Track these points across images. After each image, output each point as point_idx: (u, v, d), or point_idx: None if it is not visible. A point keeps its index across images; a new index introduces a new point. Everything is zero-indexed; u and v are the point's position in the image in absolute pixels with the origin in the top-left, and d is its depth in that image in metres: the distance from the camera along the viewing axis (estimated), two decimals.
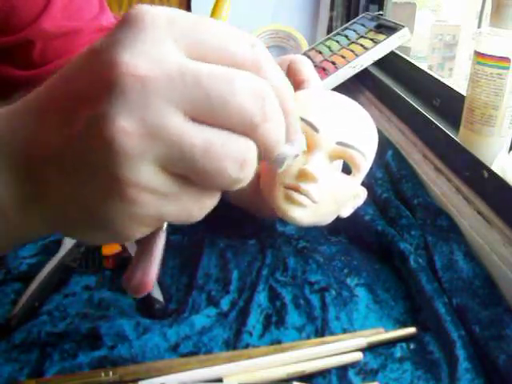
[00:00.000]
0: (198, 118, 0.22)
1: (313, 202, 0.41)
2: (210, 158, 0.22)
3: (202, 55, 0.22)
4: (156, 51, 0.21)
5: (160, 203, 0.23)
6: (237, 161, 0.22)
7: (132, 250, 0.48)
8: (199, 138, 0.22)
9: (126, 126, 0.21)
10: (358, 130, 0.43)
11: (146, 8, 0.22)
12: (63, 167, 0.23)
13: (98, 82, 0.21)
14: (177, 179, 0.23)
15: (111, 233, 0.24)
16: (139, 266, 0.26)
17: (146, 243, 0.26)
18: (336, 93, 0.46)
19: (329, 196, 0.42)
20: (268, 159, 0.24)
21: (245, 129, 0.22)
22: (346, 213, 0.45)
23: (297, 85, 0.46)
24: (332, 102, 0.44)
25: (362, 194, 0.46)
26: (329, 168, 0.42)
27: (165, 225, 0.26)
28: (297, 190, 0.41)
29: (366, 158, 0.42)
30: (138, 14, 0.22)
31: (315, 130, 0.41)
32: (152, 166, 0.22)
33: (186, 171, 0.22)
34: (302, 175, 0.41)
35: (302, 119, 0.42)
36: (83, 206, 0.23)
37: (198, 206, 0.24)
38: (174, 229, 0.50)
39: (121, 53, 0.21)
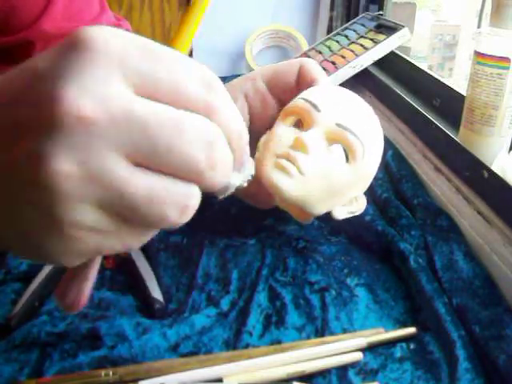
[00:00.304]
0: (142, 163, 0.21)
1: (300, 173, 0.39)
2: (151, 205, 0.21)
3: (153, 94, 0.21)
4: (104, 89, 0.20)
5: (99, 239, 0.22)
6: (178, 207, 0.22)
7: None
8: (142, 184, 0.21)
9: (65, 169, 0.19)
10: (361, 120, 0.42)
11: (98, 33, 0.20)
12: (1, 194, 0.22)
13: (38, 114, 0.20)
14: (117, 218, 0.22)
15: (49, 260, 0.23)
16: (74, 285, 0.26)
17: (80, 268, 0.26)
18: (347, 90, 0.45)
19: (319, 174, 0.40)
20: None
21: (190, 176, 0.22)
22: (339, 214, 0.43)
23: (307, 84, 0.46)
24: (340, 93, 0.44)
25: (361, 201, 0.44)
26: (324, 147, 0.41)
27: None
28: (286, 157, 0.40)
29: (363, 146, 0.41)
30: (89, 40, 0.20)
31: (317, 109, 0.41)
32: (91, 208, 0.21)
33: (127, 214, 0.22)
34: (295, 144, 0.40)
35: (306, 100, 0.42)
36: (20, 233, 0.22)
37: (137, 240, 0.24)
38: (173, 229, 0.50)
39: (65, 87, 0.19)
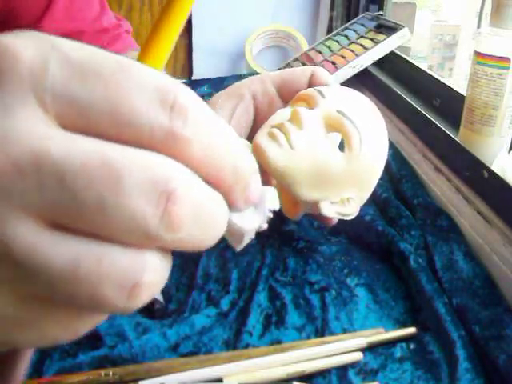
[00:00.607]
0: (63, 226, 0.15)
1: (289, 145, 0.38)
2: (77, 282, 0.15)
3: (85, 124, 0.15)
4: (7, 124, 0.14)
5: (8, 330, 0.16)
6: (123, 285, 0.15)
7: None
8: (61, 253, 0.15)
9: None
10: (365, 116, 0.42)
11: (6, 41, 0.15)
12: None
13: None
14: (31, 302, 0.16)
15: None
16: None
17: (6, 357, 0.20)
18: (359, 92, 0.45)
19: (309, 153, 0.39)
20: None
21: (138, 241, 0.15)
22: (326, 210, 0.40)
23: None
24: (350, 92, 0.44)
25: (354, 205, 0.41)
26: (322, 132, 0.40)
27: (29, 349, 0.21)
28: (280, 127, 0.39)
29: (360, 136, 0.40)
30: None
31: (322, 95, 0.41)
32: None
33: (45, 296, 0.16)
34: (291, 116, 0.40)
35: (314, 88, 0.42)
36: None
37: (67, 329, 0.17)
38: None
39: None
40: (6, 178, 0.14)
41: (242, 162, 0.17)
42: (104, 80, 0.15)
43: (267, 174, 0.39)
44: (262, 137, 0.39)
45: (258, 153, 0.39)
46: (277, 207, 0.20)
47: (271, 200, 0.19)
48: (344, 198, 0.41)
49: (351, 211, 0.41)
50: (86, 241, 0.15)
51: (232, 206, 0.18)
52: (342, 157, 0.39)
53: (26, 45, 0.15)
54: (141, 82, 0.15)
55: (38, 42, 0.15)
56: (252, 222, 0.18)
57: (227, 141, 0.17)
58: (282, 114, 0.42)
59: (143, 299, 0.16)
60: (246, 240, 0.19)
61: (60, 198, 0.14)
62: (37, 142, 0.14)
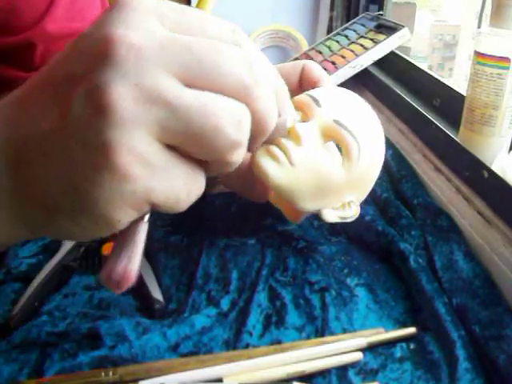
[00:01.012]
0: (191, 83, 0.23)
1: (289, 162, 0.39)
2: (206, 117, 0.22)
3: (185, 34, 0.23)
4: (146, 25, 0.23)
5: (149, 178, 0.22)
6: (233, 120, 0.23)
7: None
8: (194, 98, 0.22)
9: (120, 92, 0.21)
10: (362, 123, 0.42)
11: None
12: (51, 148, 0.23)
13: (91, 57, 0.22)
14: (170, 152, 0.23)
15: (95, 218, 0.23)
16: (121, 259, 0.25)
17: (127, 234, 0.25)
18: (354, 93, 0.45)
19: (309, 168, 0.39)
20: (263, 131, 0.26)
21: (238, 92, 0.23)
22: (329, 216, 0.42)
23: (309, 86, 0.47)
24: (345, 95, 0.44)
25: (355, 208, 0.42)
26: (320, 143, 0.40)
27: (147, 216, 0.25)
28: (278, 145, 0.39)
29: (359, 146, 0.40)
30: (125, 0, 0.23)
31: (317, 104, 0.41)
32: (146, 134, 0.22)
33: (182, 138, 0.23)
34: (289, 133, 0.39)
35: (307, 94, 0.42)
36: (67, 186, 0.23)
37: (186, 189, 0.24)
38: (173, 229, 0.51)
39: (113, 27, 0.22)
40: (153, 51, 0.22)
41: (286, 91, 0.29)
42: (192, 14, 0.25)
43: (266, 186, 0.40)
44: (261, 155, 0.39)
45: (258, 172, 0.39)
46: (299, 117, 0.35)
47: (294, 114, 0.32)
48: (345, 202, 0.42)
49: (352, 214, 0.42)
50: (208, 92, 0.23)
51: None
52: (341, 167, 0.40)
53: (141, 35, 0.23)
54: (218, 21, 0.26)
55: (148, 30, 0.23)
56: (289, 120, 0.31)
57: (279, 78, 0.28)
58: None
59: (245, 135, 0.24)
60: (285, 132, 0.31)
61: (187, 62, 0.23)
62: (166, 32, 0.23)
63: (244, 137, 0.24)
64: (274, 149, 0.39)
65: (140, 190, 0.22)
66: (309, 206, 0.41)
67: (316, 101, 0.41)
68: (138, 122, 0.21)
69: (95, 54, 0.22)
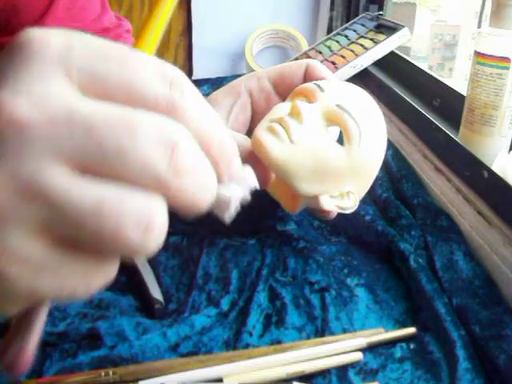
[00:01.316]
0: (89, 171, 0.18)
1: (289, 140, 0.38)
2: (102, 219, 0.17)
3: (103, 93, 0.19)
4: (42, 89, 0.18)
5: (33, 277, 0.18)
6: (139, 222, 0.18)
7: None
8: (89, 194, 0.17)
9: None
10: (364, 110, 0.42)
11: (35, 33, 0.19)
12: None
13: None
14: (57, 247, 0.18)
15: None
16: (15, 344, 0.22)
17: (23, 317, 0.23)
18: (359, 87, 0.45)
19: (309, 147, 0.39)
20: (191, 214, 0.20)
21: (149, 184, 0.18)
22: (326, 204, 0.41)
23: None
24: (349, 86, 0.44)
25: (354, 199, 0.42)
26: (322, 125, 0.40)
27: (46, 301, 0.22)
28: (279, 121, 0.39)
29: (360, 130, 0.40)
30: (25, 40, 0.18)
31: (321, 89, 0.41)
32: (25, 231, 0.18)
33: (72, 235, 0.18)
34: (291, 111, 0.40)
35: (314, 82, 0.42)
36: None
37: (84, 282, 0.19)
38: (173, 229, 0.51)
39: None
40: (42, 130, 0.17)
41: (227, 139, 0.21)
42: (117, 59, 0.19)
43: (266, 169, 0.39)
44: (261, 131, 0.39)
45: (258, 147, 0.39)
46: (257, 185, 0.23)
47: (251, 177, 0.23)
48: (343, 192, 0.41)
49: (351, 205, 0.42)
50: (108, 184, 0.18)
51: (218, 179, 0.21)
52: (341, 150, 0.40)
53: (54, 33, 0.19)
54: (145, 62, 0.20)
55: (64, 33, 0.19)
56: (236, 192, 0.22)
57: (215, 120, 0.21)
58: (281, 109, 0.42)
59: (155, 238, 0.18)
60: (233, 209, 0.22)
61: (86, 146, 0.18)
62: (66, 100, 0.18)
63: (155, 239, 0.18)
64: (275, 125, 0.39)
65: (21, 291, 0.19)
66: (305, 187, 0.40)
67: (319, 87, 0.41)
68: (14, 220, 0.17)
69: None
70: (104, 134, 0.18)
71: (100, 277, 0.20)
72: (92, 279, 0.19)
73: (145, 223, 0.18)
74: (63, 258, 0.19)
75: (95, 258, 0.19)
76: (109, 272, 0.20)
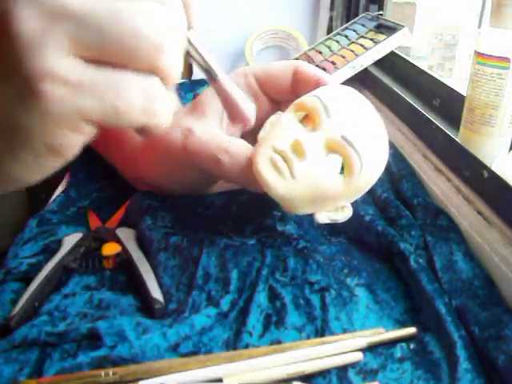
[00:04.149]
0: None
1: (291, 176, 0.40)
2: (121, 23, 0.21)
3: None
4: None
5: (76, 96, 0.21)
6: (151, 21, 0.22)
7: (132, 250, 0.48)
8: (105, 5, 0.21)
9: (24, 14, 0.20)
10: (367, 134, 0.42)
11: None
12: None
13: None
14: (89, 65, 0.22)
15: (36, 149, 0.22)
16: (231, 109, 0.30)
17: (219, 95, 0.29)
18: (359, 94, 0.45)
19: (311, 182, 0.40)
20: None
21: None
22: (321, 218, 0.43)
23: (304, 87, 0.46)
24: (352, 99, 0.44)
25: (347, 210, 0.43)
26: (323, 155, 0.41)
27: (219, 74, 0.29)
28: (283, 156, 0.40)
29: (362, 162, 0.41)
30: None
31: (327, 113, 0.41)
32: (59, 50, 0.21)
33: (100, 49, 0.21)
34: (294, 146, 0.40)
35: (319, 98, 0.42)
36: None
37: (121, 98, 0.22)
38: (173, 229, 0.51)
39: None
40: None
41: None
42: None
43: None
44: (264, 163, 0.41)
45: (259, 178, 0.41)
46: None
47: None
48: (339, 206, 0.43)
49: (344, 216, 0.44)
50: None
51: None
52: (341, 180, 0.41)
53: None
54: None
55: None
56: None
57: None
58: (285, 132, 0.42)
59: (168, 35, 0.22)
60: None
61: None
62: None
63: (166, 39, 0.22)
64: (278, 160, 0.40)
65: (70, 111, 0.22)
66: (304, 211, 0.43)
67: (326, 109, 0.41)
68: (47, 41, 0.20)
69: None
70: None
71: (136, 96, 0.23)
72: (129, 97, 0.22)
73: (156, 21, 0.22)
74: (98, 74, 0.22)
75: (129, 74, 0.22)
76: (145, 93, 0.23)
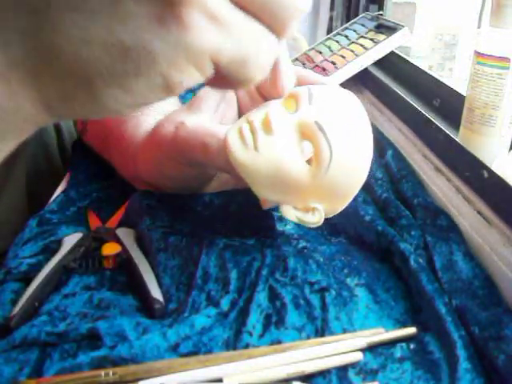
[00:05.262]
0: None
1: (254, 146, 0.39)
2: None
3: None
4: None
5: (216, 33, 0.21)
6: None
7: (132, 250, 0.48)
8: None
9: None
10: (348, 134, 0.40)
11: None
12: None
13: None
14: (238, 10, 0.21)
15: (152, 80, 0.21)
16: (274, 71, 0.32)
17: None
18: (357, 101, 0.44)
19: (272, 158, 0.39)
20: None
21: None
22: (287, 213, 0.42)
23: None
24: (345, 101, 0.42)
25: (318, 215, 0.41)
26: (294, 138, 0.40)
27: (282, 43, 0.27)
28: (251, 126, 0.40)
29: (331, 154, 0.39)
30: None
31: (310, 101, 0.41)
32: None
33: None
34: (264, 119, 0.40)
35: (308, 86, 0.42)
36: (115, 45, 0.20)
37: (254, 50, 0.23)
38: (173, 229, 0.50)
39: None
40: None
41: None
42: None
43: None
44: (231, 130, 0.40)
45: (225, 146, 0.40)
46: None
47: None
48: (309, 207, 0.41)
49: (314, 221, 0.42)
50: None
51: None
52: (306, 169, 0.40)
53: None
54: None
55: None
56: None
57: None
58: (262, 110, 0.41)
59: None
60: None
61: None
62: None
63: (301, 3, 0.23)
64: (245, 130, 0.40)
65: (205, 46, 0.21)
66: (265, 194, 0.42)
67: (311, 96, 0.41)
68: None
69: None
70: None
71: (265, 51, 0.23)
72: (259, 49, 0.23)
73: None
74: (241, 19, 0.22)
75: (264, 29, 0.23)
76: (271, 50, 0.24)
